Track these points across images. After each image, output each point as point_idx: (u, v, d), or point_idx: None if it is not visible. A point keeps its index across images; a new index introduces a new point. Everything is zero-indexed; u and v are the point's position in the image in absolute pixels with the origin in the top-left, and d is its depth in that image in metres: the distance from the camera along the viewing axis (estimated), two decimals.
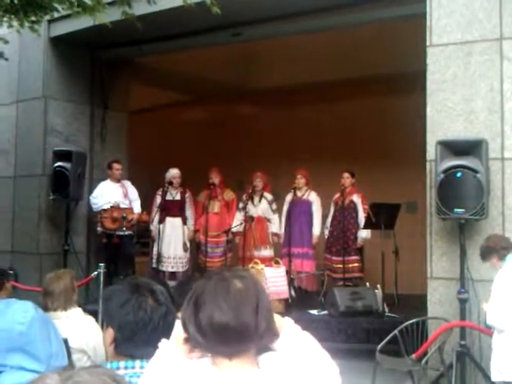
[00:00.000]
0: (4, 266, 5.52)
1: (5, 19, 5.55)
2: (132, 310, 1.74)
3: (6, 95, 7.82)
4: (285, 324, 1.49)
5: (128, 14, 5.26)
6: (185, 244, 7.61)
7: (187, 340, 1.42)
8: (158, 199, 7.57)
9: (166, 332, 1.68)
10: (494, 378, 3.87)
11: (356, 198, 7.39)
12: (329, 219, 7.59)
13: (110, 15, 5.43)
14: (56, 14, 5.87)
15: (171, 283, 5.88)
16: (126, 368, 1.71)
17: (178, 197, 7.66)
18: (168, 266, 7.51)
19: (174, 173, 7.63)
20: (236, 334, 1.35)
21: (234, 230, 7.53)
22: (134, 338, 1.73)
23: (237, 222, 7.56)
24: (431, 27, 5.09)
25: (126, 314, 1.74)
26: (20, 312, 1.74)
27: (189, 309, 1.41)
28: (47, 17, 5.94)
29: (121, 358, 1.75)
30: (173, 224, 7.57)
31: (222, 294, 1.38)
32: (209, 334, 1.36)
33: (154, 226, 7.58)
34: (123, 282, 1.89)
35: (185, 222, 7.68)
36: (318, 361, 1.46)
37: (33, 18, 5.54)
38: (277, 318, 1.47)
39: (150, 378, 1.42)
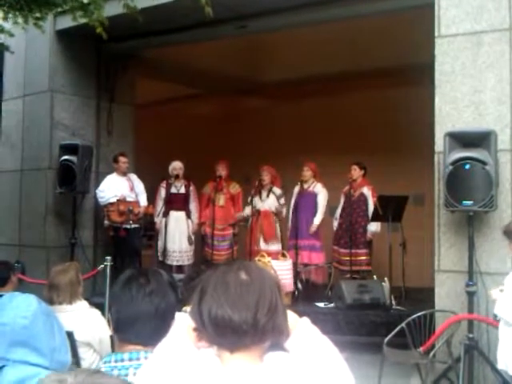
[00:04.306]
0: (11, 260, 5.56)
1: (10, 15, 5.53)
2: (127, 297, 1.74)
3: (12, 89, 7.83)
4: (300, 324, 1.44)
5: (130, 7, 5.19)
6: (189, 237, 7.59)
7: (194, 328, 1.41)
8: (162, 191, 7.58)
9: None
10: (500, 366, 3.86)
11: (366, 191, 7.32)
12: (338, 211, 7.55)
13: (114, 8, 5.38)
14: (60, 9, 5.84)
15: (178, 276, 5.89)
16: (130, 360, 1.68)
17: (182, 189, 7.63)
18: (174, 260, 7.51)
19: (174, 165, 7.61)
20: (232, 329, 1.31)
21: (239, 217, 7.53)
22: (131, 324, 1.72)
23: (244, 214, 7.57)
24: (439, 17, 5.03)
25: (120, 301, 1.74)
26: (23, 306, 1.72)
27: (194, 298, 1.39)
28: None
29: (125, 349, 1.72)
30: (177, 218, 7.53)
31: (223, 287, 1.35)
32: (207, 325, 1.34)
33: (158, 219, 7.58)
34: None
35: (189, 216, 7.64)
36: (330, 367, 1.39)
37: (37, 15, 5.51)
38: (291, 316, 1.42)
39: (155, 363, 1.40)
